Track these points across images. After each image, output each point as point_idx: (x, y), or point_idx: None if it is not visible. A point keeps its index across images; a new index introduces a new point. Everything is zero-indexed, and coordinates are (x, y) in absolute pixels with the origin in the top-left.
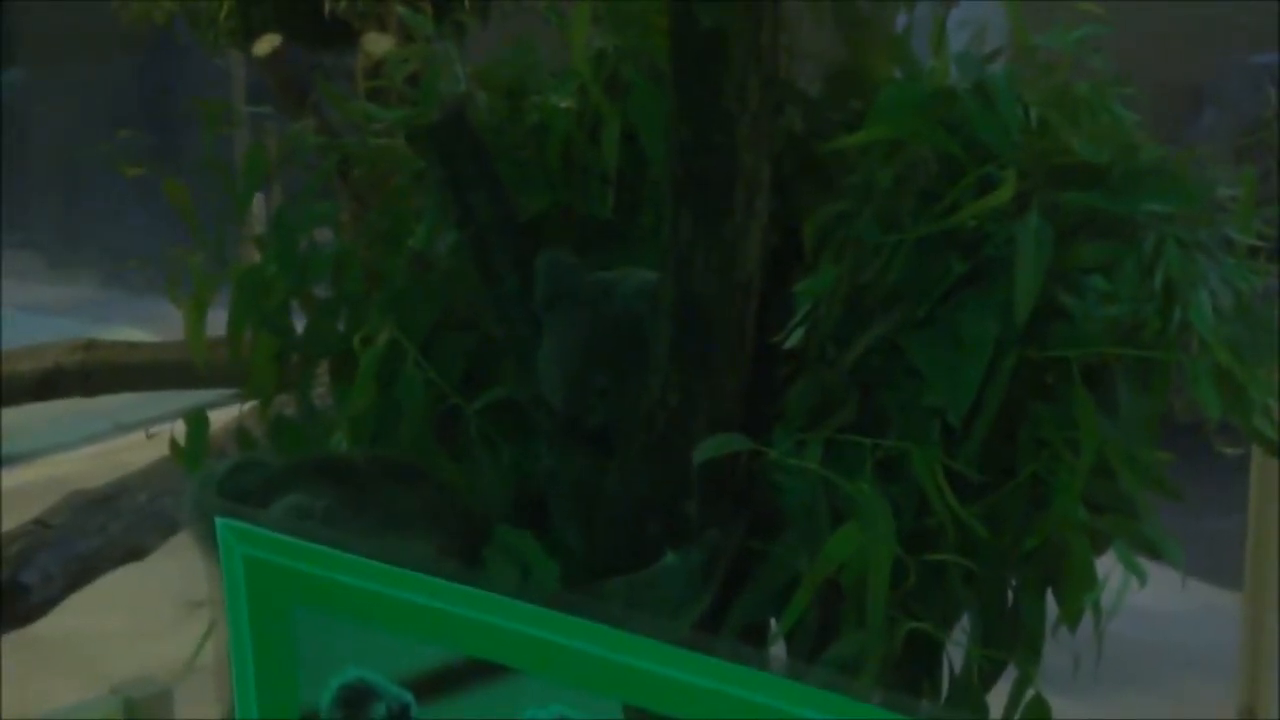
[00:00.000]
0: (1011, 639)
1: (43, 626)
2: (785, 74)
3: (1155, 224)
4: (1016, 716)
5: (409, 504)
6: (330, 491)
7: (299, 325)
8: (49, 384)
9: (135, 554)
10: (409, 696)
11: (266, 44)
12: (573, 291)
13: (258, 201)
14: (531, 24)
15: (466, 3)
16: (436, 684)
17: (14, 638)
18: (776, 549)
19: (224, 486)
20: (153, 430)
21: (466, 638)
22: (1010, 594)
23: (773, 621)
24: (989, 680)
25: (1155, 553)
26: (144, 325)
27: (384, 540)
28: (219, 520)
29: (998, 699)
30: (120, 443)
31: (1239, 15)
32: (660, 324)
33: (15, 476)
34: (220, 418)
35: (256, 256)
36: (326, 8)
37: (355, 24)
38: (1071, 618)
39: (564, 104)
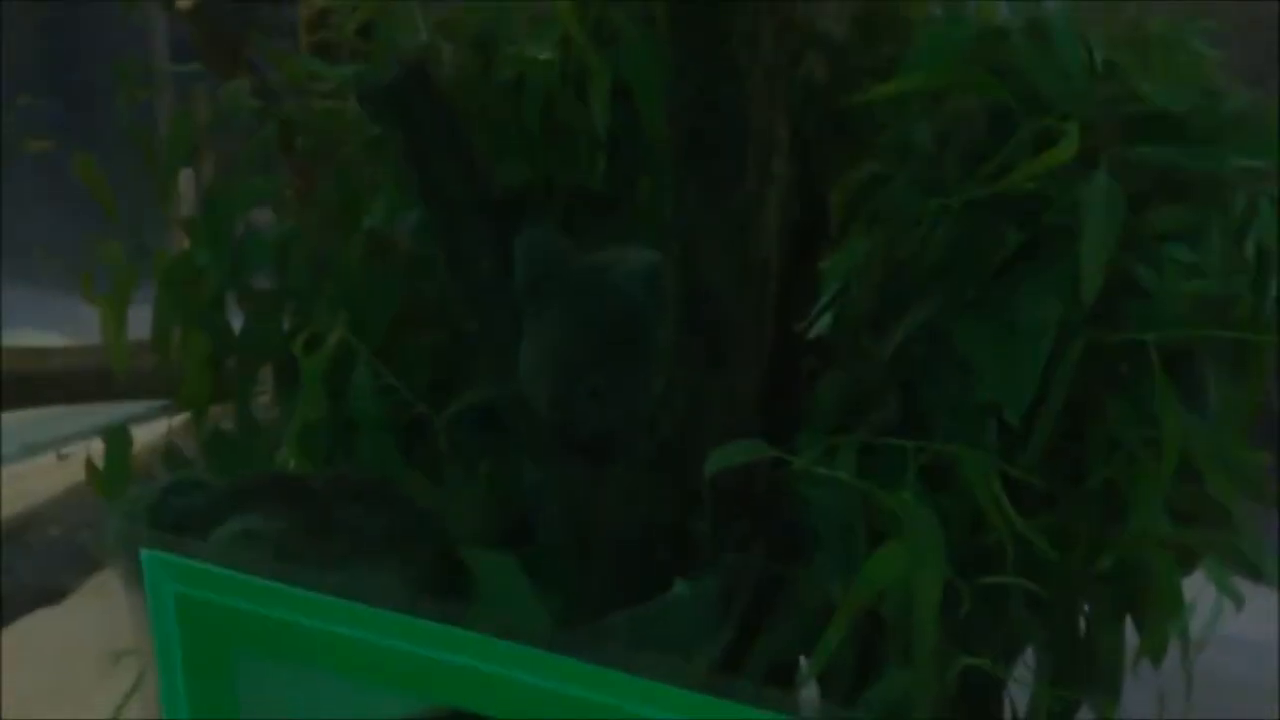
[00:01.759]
0: (1085, 675)
1: None
2: (804, 14)
3: (1245, 182)
4: None
5: (375, 529)
6: (286, 513)
7: (236, 324)
8: None
9: (48, 597)
10: None
11: None
12: (559, 277)
13: (185, 178)
14: None
15: None
16: None
17: None
18: (805, 574)
19: (158, 511)
20: (65, 451)
21: (440, 684)
22: (1082, 623)
23: (803, 660)
24: None
25: (1253, 571)
26: (54, 328)
27: (347, 570)
28: (144, 553)
29: None
30: (27, 466)
31: None
32: (662, 313)
33: None
34: (145, 434)
35: (185, 243)
36: None
37: None
38: (1155, 649)
39: (544, 56)
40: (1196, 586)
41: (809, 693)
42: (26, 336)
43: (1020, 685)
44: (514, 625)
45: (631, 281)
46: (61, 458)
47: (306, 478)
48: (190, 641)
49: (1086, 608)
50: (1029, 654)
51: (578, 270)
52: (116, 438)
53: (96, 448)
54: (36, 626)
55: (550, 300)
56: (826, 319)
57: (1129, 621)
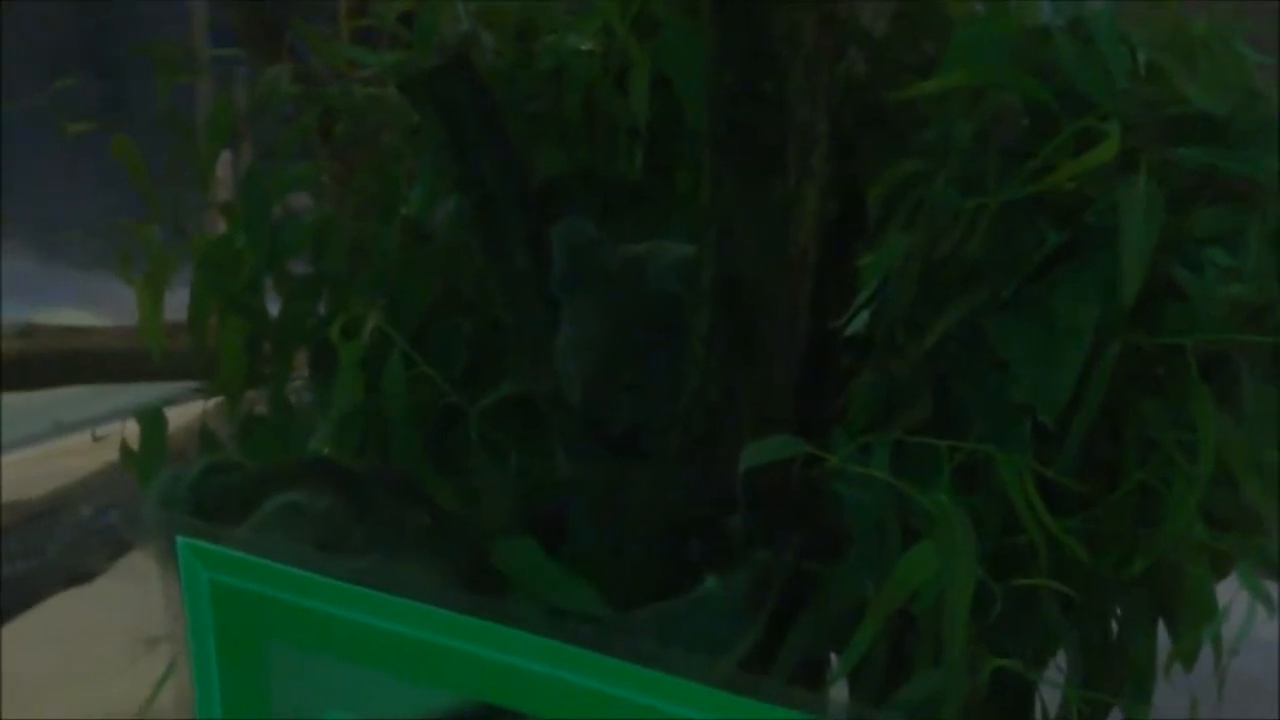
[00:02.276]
0: (1116, 678)
1: None
2: (846, 9)
3: None
4: None
5: (413, 521)
6: (330, 493)
7: (273, 308)
8: None
9: (79, 578)
10: None
11: None
12: (595, 269)
13: (224, 162)
14: None
15: None
16: None
17: None
18: (837, 572)
19: (199, 489)
20: (100, 431)
21: (472, 678)
22: (1115, 626)
23: (833, 658)
24: None
25: None
26: (90, 307)
27: (385, 555)
28: (180, 540)
29: None
30: (61, 445)
31: None
32: (699, 307)
33: None
34: (179, 416)
35: (223, 227)
36: None
37: None
38: (1187, 654)
39: (584, 46)
40: (1229, 592)
41: (839, 691)
42: (64, 315)
43: (1051, 687)
44: (552, 613)
45: (668, 275)
46: (96, 438)
47: (348, 465)
48: (224, 629)
49: (1119, 611)
50: (1060, 656)
51: (614, 262)
52: (151, 420)
53: (130, 429)
54: (66, 606)
55: (586, 292)
56: (863, 316)
57: (1161, 625)
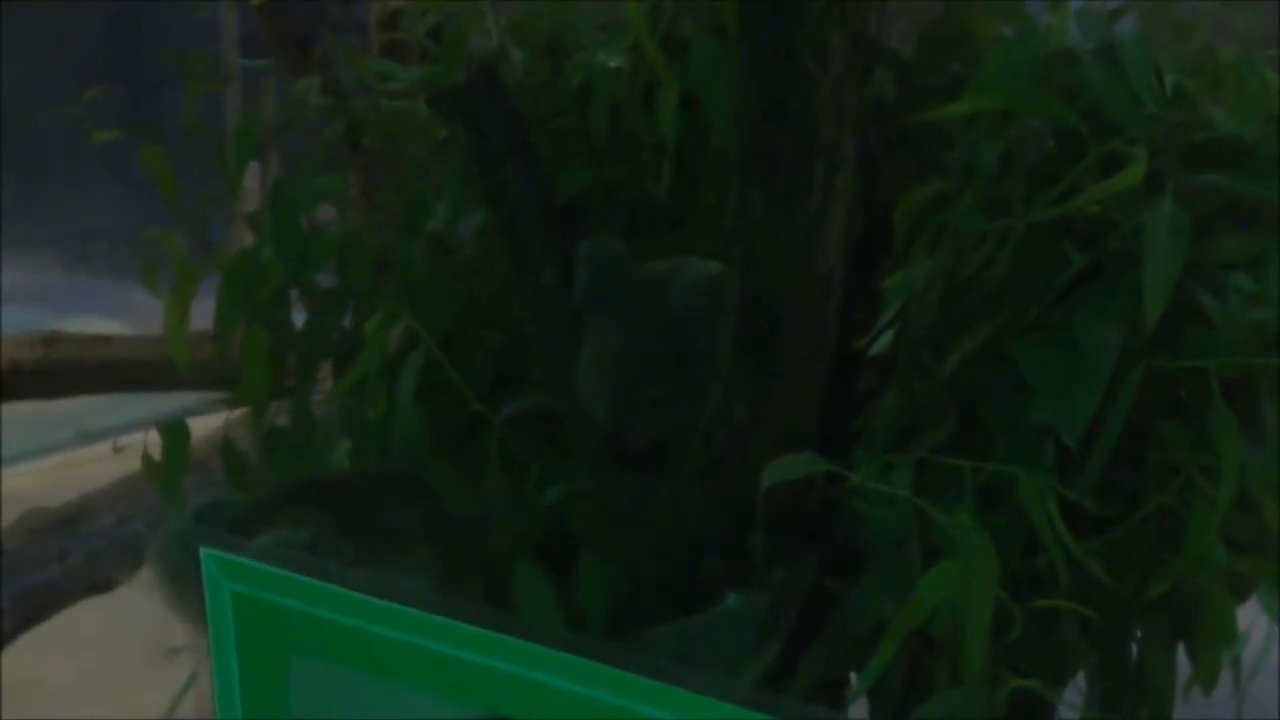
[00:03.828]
0: (1135, 701)
1: None
2: (874, 30)
3: None
4: None
5: (408, 521)
6: (314, 518)
7: (298, 320)
8: (2, 384)
9: (101, 586)
10: None
11: None
12: (620, 284)
13: (251, 174)
14: None
15: None
16: None
17: None
18: (857, 591)
19: (189, 540)
20: (122, 442)
21: (492, 692)
22: (1134, 648)
23: (852, 677)
24: None
25: None
26: (115, 316)
27: (380, 564)
28: (203, 551)
29: None
30: (84, 454)
31: None
32: (723, 325)
33: None
34: (202, 426)
35: (249, 239)
36: None
37: None
38: (1206, 677)
39: (613, 63)
40: (1250, 615)
41: (858, 710)
42: (88, 324)
43: (1070, 709)
44: (565, 634)
45: (693, 292)
46: (118, 449)
47: (337, 477)
48: (246, 640)
49: (1139, 634)
50: (1080, 678)
51: (640, 279)
52: (173, 430)
53: (153, 439)
54: (86, 615)
55: (611, 308)
56: (887, 336)
57: (1181, 649)
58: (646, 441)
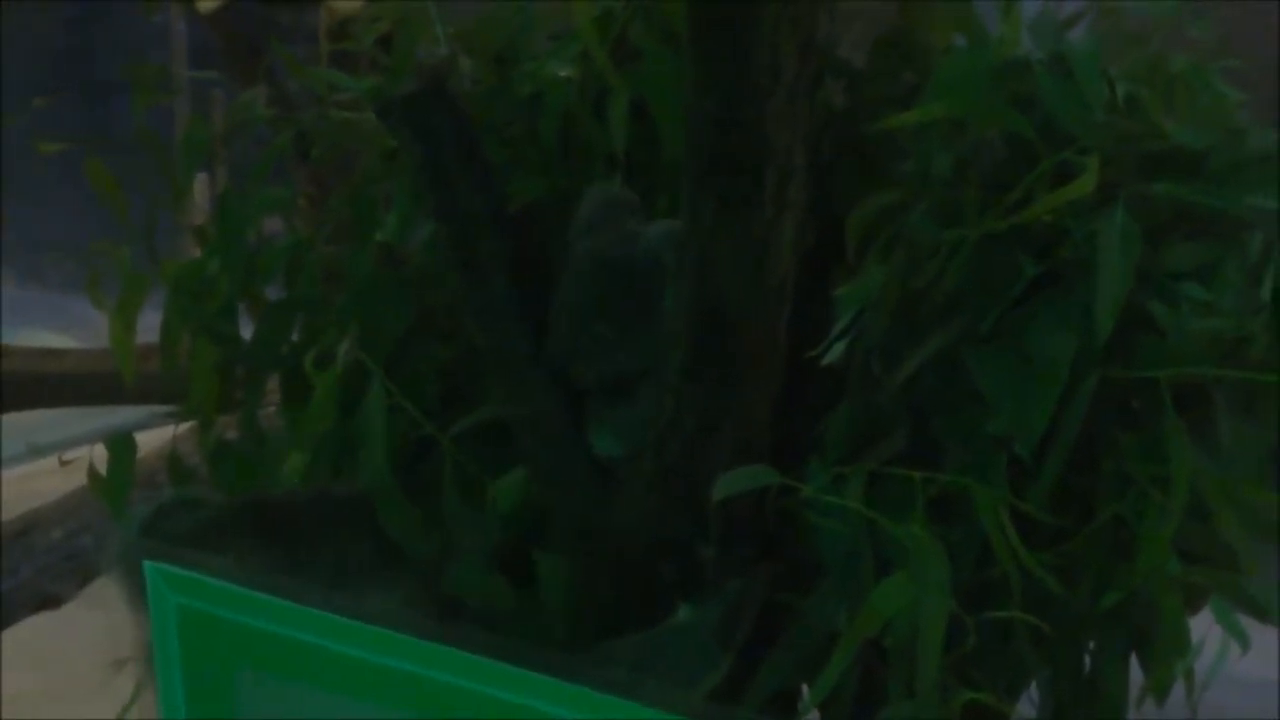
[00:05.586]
0: (1088, 712)
1: None
2: (826, 39)
3: (1262, 221)
4: None
5: (358, 554)
6: (263, 547)
7: (246, 332)
8: None
9: (49, 601)
10: None
11: None
12: (608, 228)
13: (199, 185)
14: None
15: None
16: None
17: None
18: (810, 603)
19: (149, 531)
20: (68, 455)
21: (441, 705)
22: (1087, 659)
23: (805, 689)
24: None
25: (1260, 612)
26: (64, 329)
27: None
28: (147, 564)
29: None
30: (33, 468)
31: None
32: (680, 279)
33: None
34: (150, 440)
35: (196, 251)
36: None
37: None
38: (1160, 688)
39: (563, 72)
40: (1203, 626)
41: None
42: (37, 337)
43: None
44: (519, 647)
45: (660, 240)
46: (64, 463)
47: (292, 500)
48: (191, 653)
49: (1092, 644)
50: (1033, 689)
51: (624, 229)
52: (120, 444)
53: (99, 453)
54: (37, 630)
55: (589, 246)
56: (840, 346)
57: (1134, 659)
58: (587, 380)
